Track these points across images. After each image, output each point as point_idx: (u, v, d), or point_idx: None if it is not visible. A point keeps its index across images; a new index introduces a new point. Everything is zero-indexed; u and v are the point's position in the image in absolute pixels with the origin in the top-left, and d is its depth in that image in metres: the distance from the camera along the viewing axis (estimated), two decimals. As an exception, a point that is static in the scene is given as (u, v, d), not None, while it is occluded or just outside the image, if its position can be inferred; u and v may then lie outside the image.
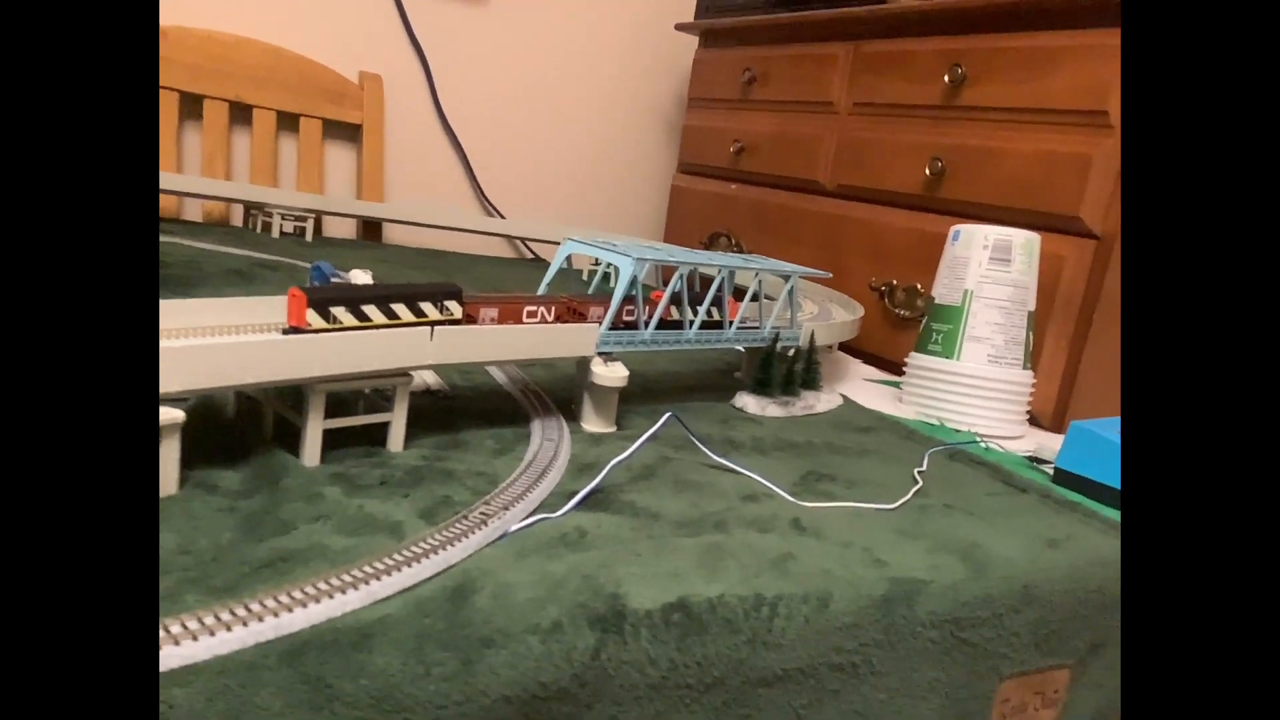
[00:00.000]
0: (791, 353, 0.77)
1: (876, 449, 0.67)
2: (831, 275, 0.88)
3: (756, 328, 0.73)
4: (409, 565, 0.36)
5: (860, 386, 0.93)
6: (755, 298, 0.72)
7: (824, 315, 0.90)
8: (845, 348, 1.05)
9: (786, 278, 0.75)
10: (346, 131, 1.44)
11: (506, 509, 0.44)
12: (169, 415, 0.39)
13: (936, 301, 0.84)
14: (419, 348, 0.49)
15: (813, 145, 1.23)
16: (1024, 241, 0.80)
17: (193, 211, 1.34)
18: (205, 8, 1.30)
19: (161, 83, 1.25)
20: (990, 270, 0.81)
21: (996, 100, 0.99)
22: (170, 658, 0.28)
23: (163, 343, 0.42)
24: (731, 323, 0.71)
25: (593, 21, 1.60)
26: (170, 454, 0.40)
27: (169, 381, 0.39)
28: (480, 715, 0.33)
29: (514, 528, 0.43)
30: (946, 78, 1.03)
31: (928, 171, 1.05)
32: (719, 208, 1.40)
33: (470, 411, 0.60)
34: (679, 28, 1.50)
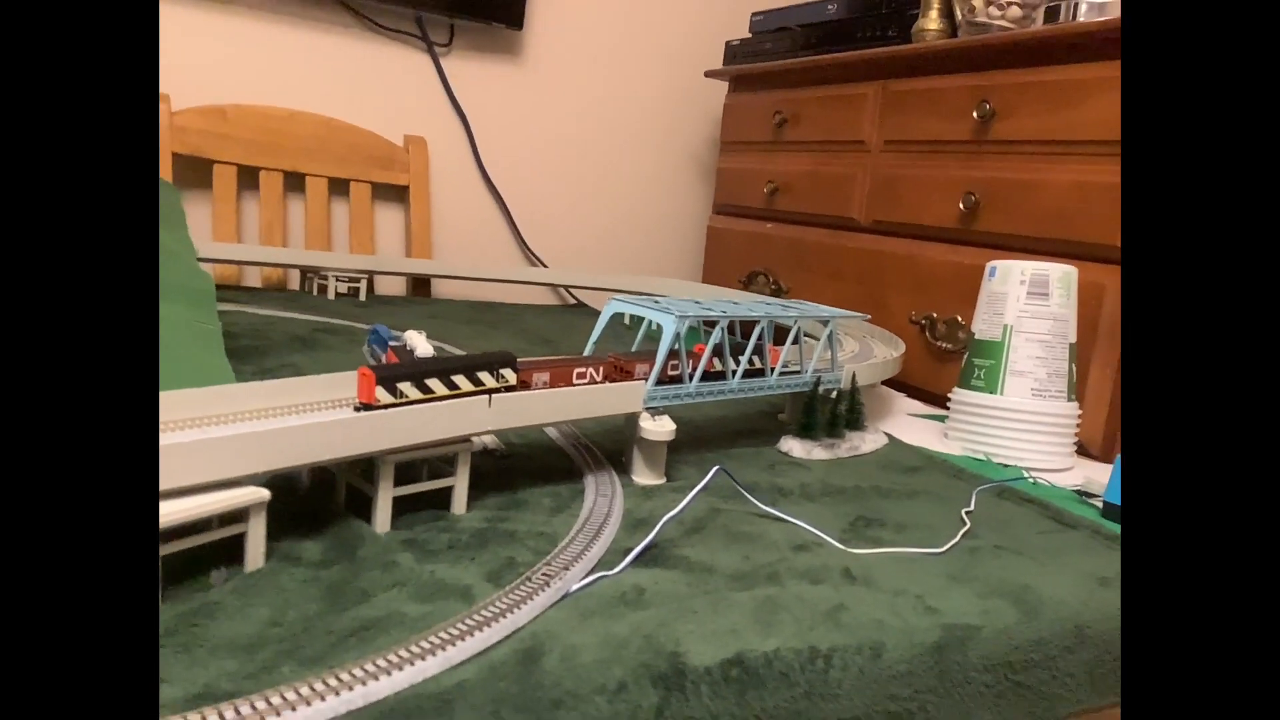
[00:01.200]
0: (834, 394, 0.79)
1: (924, 489, 0.68)
2: (870, 317, 0.89)
3: (798, 372, 0.75)
4: (480, 630, 0.38)
5: (905, 422, 0.93)
6: (796, 340, 0.74)
7: (865, 353, 0.92)
8: (889, 382, 1.06)
9: (825, 323, 0.77)
10: (394, 193, 1.51)
11: (567, 569, 0.46)
12: (256, 495, 0.42)
13: (977, 337, 0.85)
14: (479, 415, 0.52)
15: (846, 183, 1.25)
16: (1061, 275, 0.81)
17: (253, 278, 1.41)
18: (259, 85, 1.38)
19: (222, 157, 1.33)
20: (1029, 305, 0.81)
21: (1027, 134, 1.00)
22: (273, 728, 0.31)
23: (248, 426, 0.46)
24: (773, 369, 0.73)
25: (624, 73, 1.66)
26: (258, 531, 0.43)
27: (255, 462, 0.42)
28: (554, 773, 0.35)
29: (574, 587, 0.45)
30: (975, 113, 1.04)
31: (962, 206, 1.06)
32: (756, 247, 1.42)
33: (527, 470, 0.63)
34: (709, 74, 1.54)
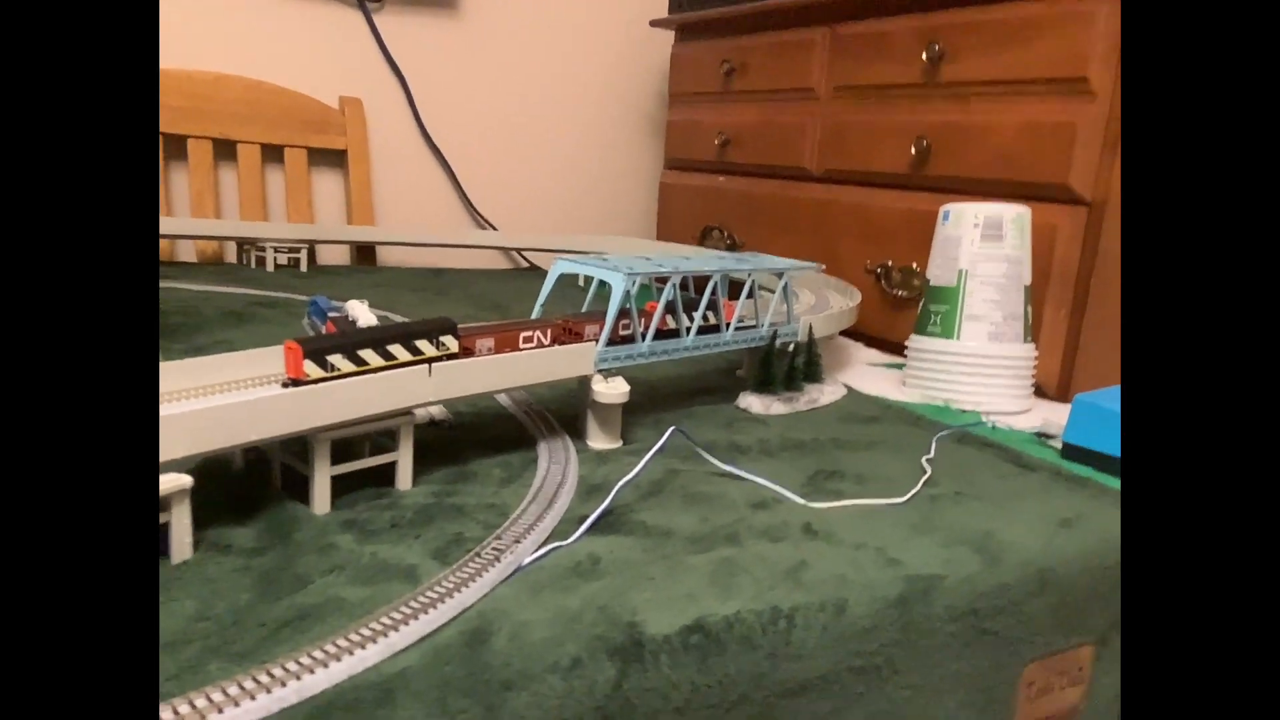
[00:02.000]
0: (791, 348, 0.77)
1: (884, 439, 0.67)
2: (825, 267, 0.88)
3: (754, 326, 0.73)
4: (425, 612, 0.36)
5: (863, 372, 0.93)
6: (750, 294, 0.72)
7: (821, 304, 0.90)
8: (846, 332, 1.05)
9: (780, 275, 0.75)
10: (332, 158, 1.45)
11: (518, 542, 0.44)
12: (177, 481, 0.39)
13: (932, 283, 0.84)
14: (419, 386, 0.49)
15: (797, 132, 1.22)
16: (1015, 216, 0.80)
17: (186, 253, 1.35)
18: (183, 48, 1.30)
19: (143, 127, 1.26)
20: (983, 248, 0.80)
21: (975, 74, 0.98)
22: (198, 733, 0.29)
23: (165, 408, 0.43)
24: (728, 325, 0.71)
25: (567, 24, 1.60)
26: (182, 520, 0.40)
27: (175, 447, 0.39)
28: (508, 757, 0.33)
29: (527, 560, 0.43)
30: (924, 55, 1.02)
31: (913, 151, 1.04)
32: (709, 201, 1.40)
33: (476, 440, 0.60)
34: (654, 23, 1.50)
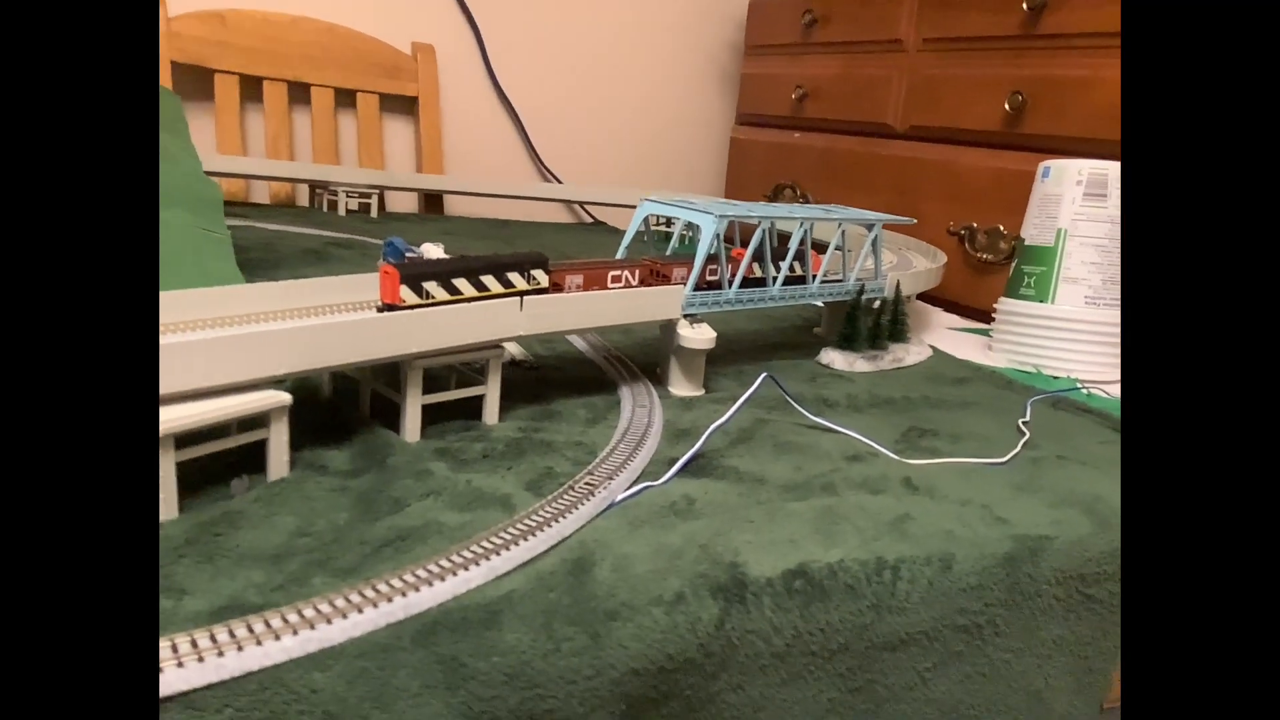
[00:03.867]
0: (876, 305, 0.75)
1: (976, 401, 0.65)
2: (916, 221, 0.84)
3: (840, 281, 0.71)
4: (525, 539, 0.36)
5: (946, 336, 0.89)
6: (840, 245, 0.69)
7: (904, 264, 0.87)
8: (924, 297, 1.02)
9: (870, 227, 0.72)
10: (403, 105, 1.44)
11: (611, 478, 0.43)
12: (277, 398, 0.39)
13: (1027, 243, 0.80)
14: (510, 319, 0.49)
15: (881, 86, 1.18)
16: (1120, 175, 0.76)
17: (260, 194, 1.36)
18: (258, -11, 1.30)
19: (223, 66, 1.27)
20: (1085, 207, 0.76)
21: (1080, 26, 0.93)
22: (308, 642, 0.28)
23: (265, 326, 0.43)
24: (815, 277, 0.68)
25: (642, -26, 1.56)
26: (280, 437, 0.40)
27: (274, 365, 0.39)
28: (610, 689, 0.32)
29: (620, 497, 0.42)
30: (1025, 4, 0.97)
31: (1007, 107, 0.99)
32: (782, 158, 1.36)
33: (558, 381, 0.59)
34: (732, -27, 1.45)
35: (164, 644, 0.27)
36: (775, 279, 0.65)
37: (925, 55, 1.12)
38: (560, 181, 1.58)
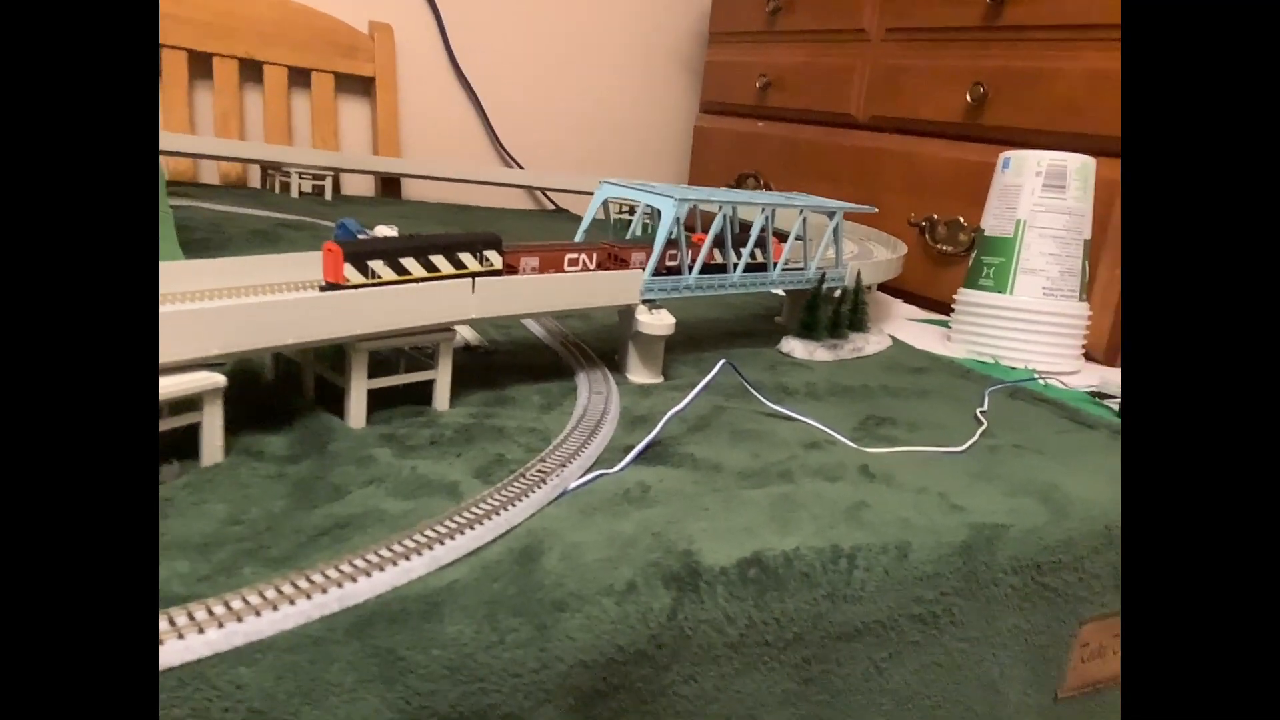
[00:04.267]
0: (837, 294, 0.74)
1: (934, 390, 0.64)
2: (877, 210, 0.84)
3: (801, 269, 0.70)
4: (471, 528, 0.34)
5: (906, 327, 0.89)
6: (801, 232, 0.69)
7: (865, 254, 0.87)
8: (884, 288, 1.02)
9: (831, 215, 0.71)
10: (359, 85, 1.40)
11: (564, 465, 0.42)
12: (211, 380, 0.37)
13: (986, 234, 0.80)
14: (461, 301, 0.47)
15: (844, 76, 1.18)
16: (1079, 166, 0.76)
17: (209, 174, 1.32)
18: (208, -39, 1.25)
19: (170, 41, 1.22)
20: (1044, 198, 0.77)
21: (1042, 18, 0.93)
22: (234, 635, 0.27)
23: (199, 304, 0.40)
24: (776, 265, 0.68)
25: (606, -43, 1.54)
26: (214, 420, 0.38)
27: (208, 344, 0.37)
28: (557, 682, 0.31)
29: (573, 484, 0.41)
30: (988, -4, 0.97)
31: (969, 98, 1.00)
32: (746, 147, 1.35)
33: (512, 367, 0.58)
34: (697, -41, 1.44)
35: (74, 639, 0.25)
36: (736, 265, 0.64)
37: (888, 45, 1.12)
38: (521, 167, 1.56)
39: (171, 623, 0.26)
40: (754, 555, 0.36)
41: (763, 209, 0.65)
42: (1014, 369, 0.75)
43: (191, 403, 0.37)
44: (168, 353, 0.36)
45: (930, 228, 1.05)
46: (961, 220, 1.01)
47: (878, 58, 1.13)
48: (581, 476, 0.42)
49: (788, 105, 1.28)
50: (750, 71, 1.34)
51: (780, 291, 0.87)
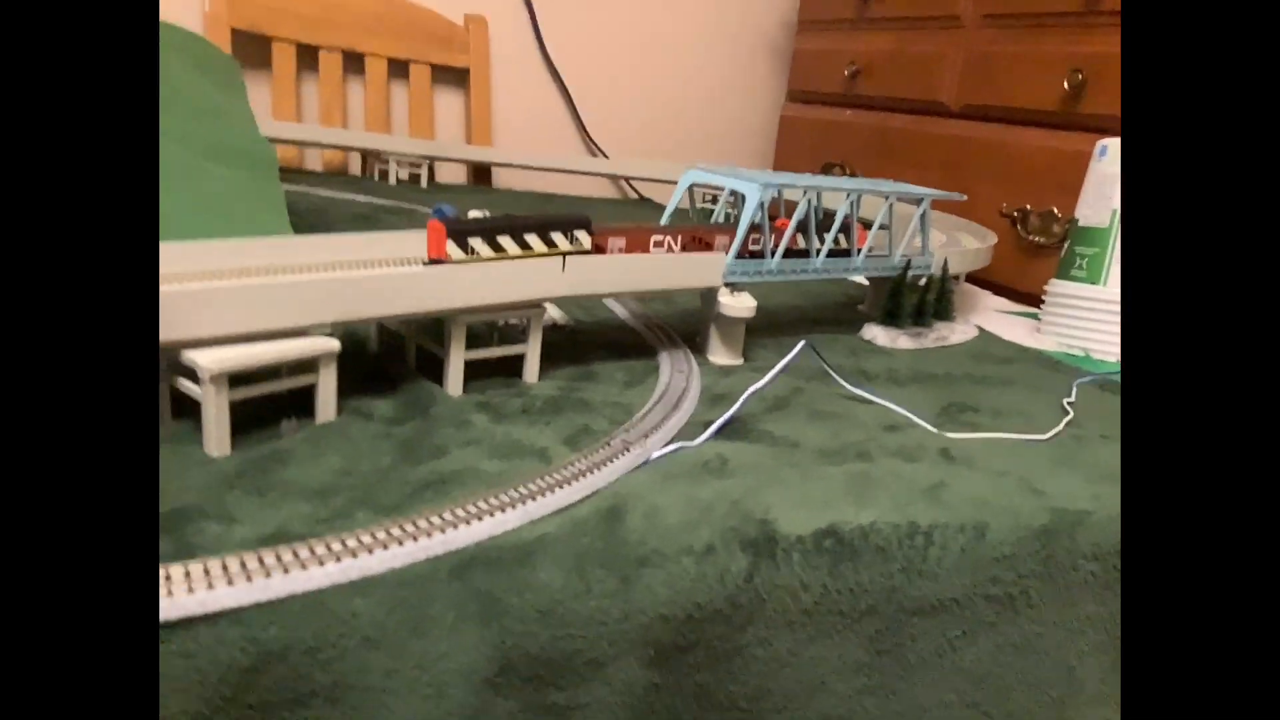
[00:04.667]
0: (922, 282, 0.74)
1: (1020, 380, 0.64)
2: (966, 198, 0.83)
3: (885, 256, 0.70)
4: (561, 487, 0.36)
5: (993, 318, 0.88)
6: (887, 219, 0.69)
7: (953, 243, 0.86)
8: (973, 279, 1.00)
9: (918, 202, 0.71)
10: (454, 76, 1.45)
11: (646, 436, 0.44)
12: (326, 345, 0.40)
13: (1081, 224, 0.78)
14: (553, 278, 0.49)
15: (936, 63, 1.16)
16: (1184, 154, 0.73)
17: (313, 161, 1.39)
18: (317, -42, 1.32)
19: (280, 34, 1.29)
20: (1144, 187, 0.74)
21: (1149, 1, 0.90)
22: (350, 569, 0.30)
23: (314, 276, 0.44)
24: (860, 251, 0.68)
25: (696, -53, 1.55)
26: (328, 382, 0.41)
27: (324, 312, 0.40)
28: (638, 633, 0.33)
29: (655, 454, 0.43)
30: (1091, -21, 0.94)
31: (1066, 85, 0.97)
32: (832, 136, 1.34)
33: (597, 345, 0.60)
34: (787, -53, 1.43)
35: (215, 564, 0.28)
36: (819, 251, 0.65)
37: (983, 31, 1.10)
38: (607, 156, 1.58)
39: (295, 555, 0.29)
40: (830, 526, 0.37)
41: (848, 194, 0.66)
42: (1105, 362, 0.73)
43: (308, 365, 0.41)
44: (288, 319, 0.39)
45: (1022, 218, 1.02)
46: (1055, 211, 0.98)
47: (971, 44, 1.11)
48: (663, 447, 0.43)
49: (877, 93, 1.26)
50: (839, 59, 1.33)
51: (864, 280, 0.87)
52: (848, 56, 1.31)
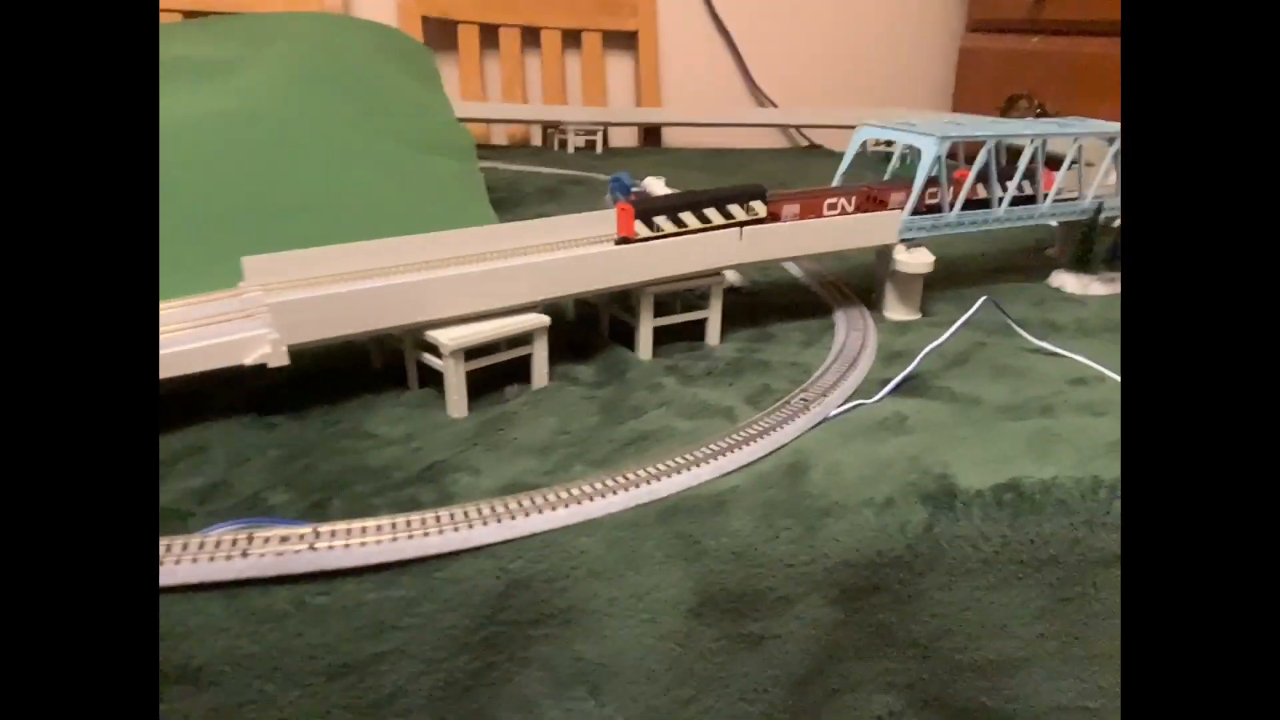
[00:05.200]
0: (1116, 224, 0.70)
1: (1228, 326, 0.60)
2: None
3: (1075, 198, 0.67)
4: (747, 445, 0.40)
5: (1202, 256, 0.81)
6: (1075, 161, 0.66)
7: (1156, 178, 0.80)
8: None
9: (1111, 140, 0.67)
10: (622, 40, 1.49)
11: (824, 395, 0.46)
12: (538, 320, 0.46)
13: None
14: (731, 248, 0.53)
15: (1138, -23, 1.05)
16: None
17: (498, 136, 1.49)
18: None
19: (464, 17, 1.38)
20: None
21: None
22: (575, 514, 0.35)
23: (528, 260, 0.50)
24: (1047, 196, 0.66)
25: (864, -124, 1.48)
26: (541, 352, 0.47)
27: (536, 291, 0.46)
28: (823, 576, 0.36)
29: (833, 412, 0.45)
30: None
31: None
32: (1017, 67, 1.26)
33: (774, 306, 0.63)
34: None
35: (471, 509, 0.35)
36: (1001, 199, 0.63)
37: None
38: (775, 105, 1.57)
39: (532, 501, 0.35)
40: (1010, 481, 0.39)
41: (1031, 139, 0.64)
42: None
43: (524, 339, 0.47)
44: (508, 299, 0.45)
45: (1242, 142, 0.93)
46: None
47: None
48: (841, 406, 0.46)
49: (1068, 17, 1.17)
50: (1024, -18, 1.24)
51: (1053, 223, 0.83)
52: (1035, -23, 1.22)
